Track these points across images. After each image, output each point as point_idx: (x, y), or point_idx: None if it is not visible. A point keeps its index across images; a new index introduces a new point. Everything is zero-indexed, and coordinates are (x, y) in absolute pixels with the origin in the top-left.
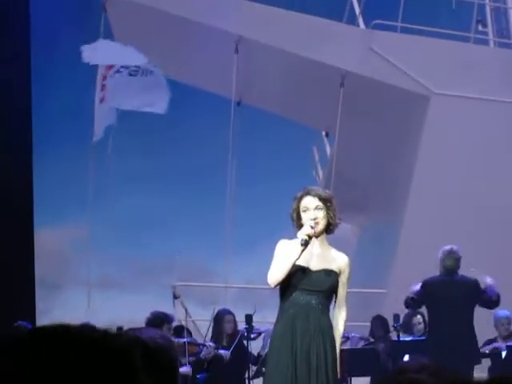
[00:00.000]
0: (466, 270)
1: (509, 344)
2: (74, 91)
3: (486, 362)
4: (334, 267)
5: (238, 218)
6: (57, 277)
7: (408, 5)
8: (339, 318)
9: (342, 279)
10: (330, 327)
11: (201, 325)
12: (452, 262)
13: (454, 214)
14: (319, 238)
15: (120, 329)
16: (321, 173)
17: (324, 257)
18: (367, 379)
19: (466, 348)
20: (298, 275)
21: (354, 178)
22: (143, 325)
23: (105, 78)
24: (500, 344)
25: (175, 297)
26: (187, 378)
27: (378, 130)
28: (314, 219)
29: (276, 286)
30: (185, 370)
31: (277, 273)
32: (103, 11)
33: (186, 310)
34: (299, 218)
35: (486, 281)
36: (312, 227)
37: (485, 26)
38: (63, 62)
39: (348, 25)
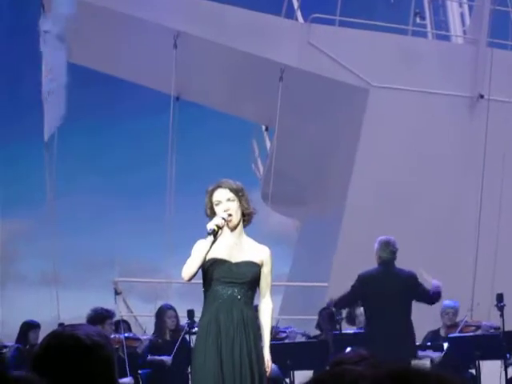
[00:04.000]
0: (406, 261)
1: (451, 335)
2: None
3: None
4: (255, 259)
5: (179, 212)
6: None
7: None
8: (265, 309)
9: (264, 271)
10: (253, 319)
11: (144, 320)
12: (388, 253)
13: (393, 206)
14: (237, 230)
15: (61, 325)
16: (261, 167)
17: (244, 248)
18: (310, 372)
19: (400, 341)
20: (219, 268)
21: (294, 171)
22: (85, 321)
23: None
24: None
25: (117, 293)
26: None
27: (317, 123)
28: (227, 210)
29: (190, 279)
30: (126, 381)
31: (189, 266)
32: (41, 8)
33: (127, 306)
34: (213, 212)
35: (432, 282)
36: (224, 219)
37: (423, 18)
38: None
39: (286, 19)
